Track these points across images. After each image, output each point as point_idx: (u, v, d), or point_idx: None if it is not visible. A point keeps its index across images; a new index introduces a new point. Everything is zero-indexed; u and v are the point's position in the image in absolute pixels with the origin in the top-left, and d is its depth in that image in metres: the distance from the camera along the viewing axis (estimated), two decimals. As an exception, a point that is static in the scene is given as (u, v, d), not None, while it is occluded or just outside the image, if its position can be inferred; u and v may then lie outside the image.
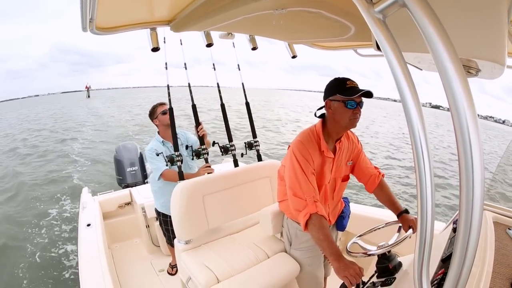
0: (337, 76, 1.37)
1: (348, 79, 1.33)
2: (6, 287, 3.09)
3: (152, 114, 2.33)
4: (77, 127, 13.85)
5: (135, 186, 3.26)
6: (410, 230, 1.37)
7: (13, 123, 16.58)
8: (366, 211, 2.32)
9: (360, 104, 1.32)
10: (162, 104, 2.33)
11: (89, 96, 37.39)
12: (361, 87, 1.32)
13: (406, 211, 1.47)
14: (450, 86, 0.44)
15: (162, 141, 2.29)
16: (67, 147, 10.03)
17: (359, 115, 1.33)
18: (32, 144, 10.85)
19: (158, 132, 2.35)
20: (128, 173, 3.40)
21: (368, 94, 1.28)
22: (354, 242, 1.33)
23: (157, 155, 2.15)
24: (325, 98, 1.39)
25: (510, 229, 1.24)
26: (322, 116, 1.47)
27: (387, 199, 1.57)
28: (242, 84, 2.50)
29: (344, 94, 1.29)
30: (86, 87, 38.97)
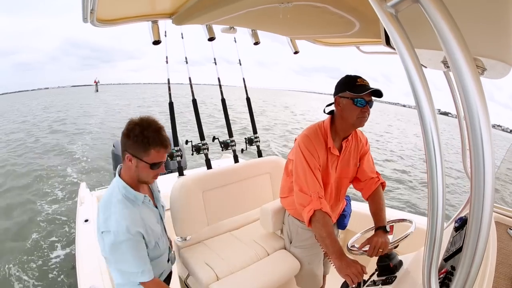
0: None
1: (359, 77, 1.31)
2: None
3: (134, 146, 1.07)
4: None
5: None
6: (367, 247, 1.27)
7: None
8: (366, 209, 2.31)
9: (369, 103, 1.29)
10: (161, 142, 1.07)
11: (97, 91, 37.53)
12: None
13: (384, 229, 1.33)
14: (463, 84, 0.43)
15: (135, 195, 1.14)
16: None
17: (368, 114, 1.30)
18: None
19: (120, 174, 1.16)
20: None
21: (378, 93, 1.26)
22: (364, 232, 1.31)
23: None
24: (334, 94, 1.37)
25: (511, 229, 1.24)
26: (331, 113, 1.45)
27: (373, 209, 1.45)
28: (243, 79, 2.49)
29: (353, 91, 1.27)
30: (95, 82, 38.97)
